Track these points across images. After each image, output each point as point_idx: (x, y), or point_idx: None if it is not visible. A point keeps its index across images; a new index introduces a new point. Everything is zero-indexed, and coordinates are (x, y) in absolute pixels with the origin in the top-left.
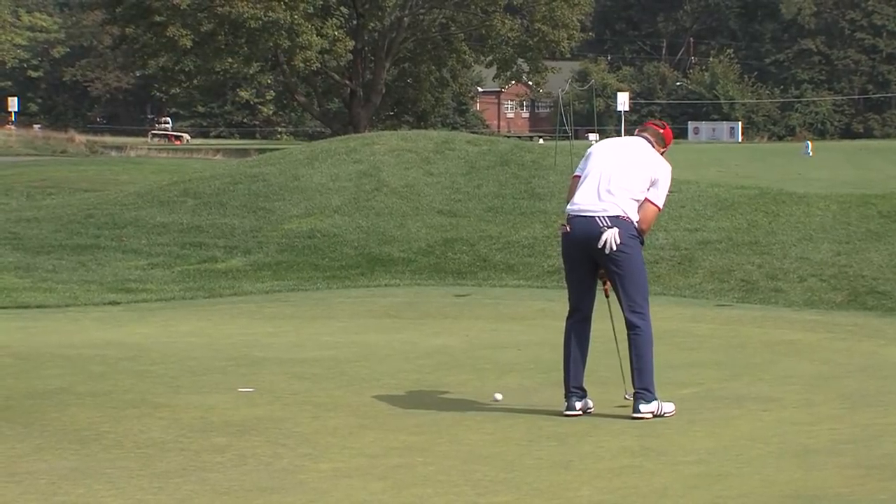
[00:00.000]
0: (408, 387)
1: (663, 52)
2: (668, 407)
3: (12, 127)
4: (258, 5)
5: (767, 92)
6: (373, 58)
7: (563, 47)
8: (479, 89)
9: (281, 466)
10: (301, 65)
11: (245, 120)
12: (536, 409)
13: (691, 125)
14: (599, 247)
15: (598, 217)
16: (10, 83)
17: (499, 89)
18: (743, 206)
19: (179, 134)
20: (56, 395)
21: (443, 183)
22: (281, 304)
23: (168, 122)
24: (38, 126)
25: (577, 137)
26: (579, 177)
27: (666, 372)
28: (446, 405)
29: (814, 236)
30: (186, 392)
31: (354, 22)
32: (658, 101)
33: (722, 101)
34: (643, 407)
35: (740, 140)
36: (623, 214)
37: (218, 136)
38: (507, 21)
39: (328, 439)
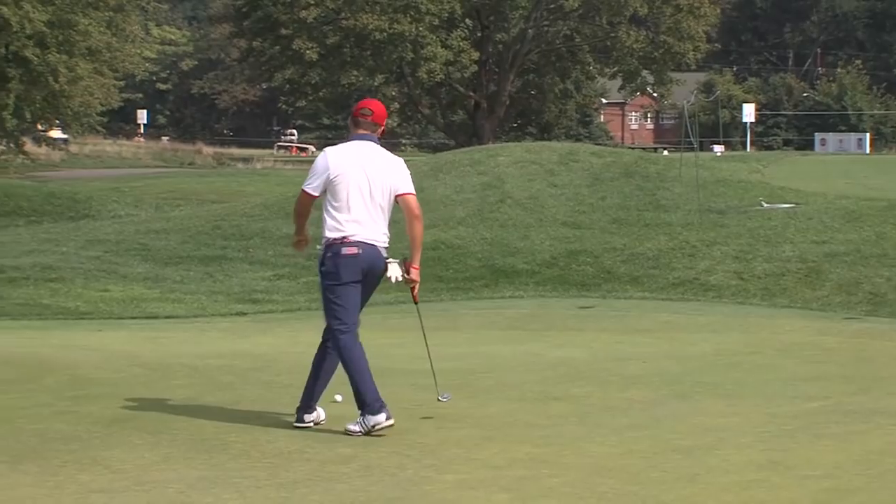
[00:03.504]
0: (532, 398)
1: (790, 62)
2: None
3: (142, 139)
4: (383, 18)
5: None
6: (497, 69)
7: (689, 59)
8: (604, 101)
9: (406, 477)
10: (425, 76)
11: None
12: (661, 421)
13: (818, 136)
14: (388, 276)
15: (381, 248)
16: (140, 96)
17: (623, 101)
18: (871, 219)
19: (304, 146)
20: (184, 404)
21: (567, 195)
22: (404, 315)
23: (294, 135)
24: (167, 138)
25: (702, 149)
26: (312, 196)
27: (793, 385)
28: (570, 417)
29: None
30: None
31: (479, 34)
32: (784, 113)
33: (850, 113)
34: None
35: (868, 152)
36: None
37: None
38: (632, 33)
39: (452, 450)
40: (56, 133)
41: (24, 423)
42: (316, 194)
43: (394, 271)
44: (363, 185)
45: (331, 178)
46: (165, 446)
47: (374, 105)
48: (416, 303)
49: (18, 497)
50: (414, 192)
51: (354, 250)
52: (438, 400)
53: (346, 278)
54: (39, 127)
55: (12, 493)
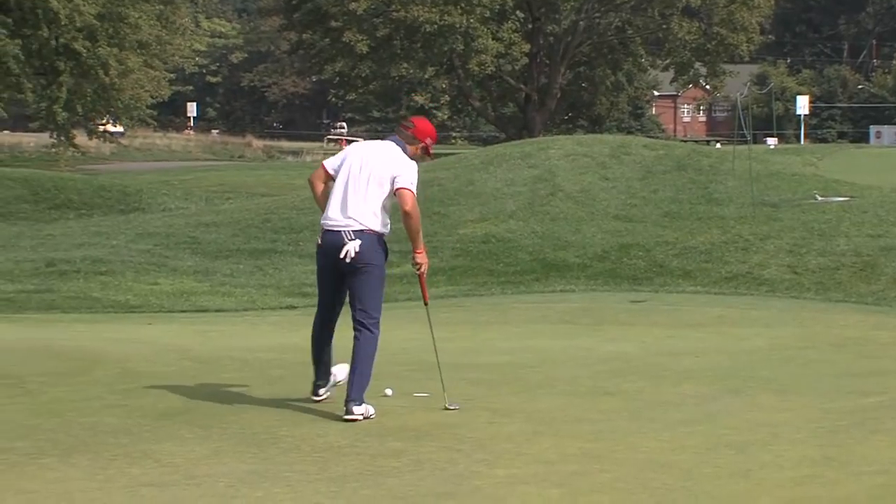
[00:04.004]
0: (583, 393)
1: (844, 54)
2: (371, 409)
3: (192, 132)
4: (434, 10)
5: None
6: (548, 62)
7: (742, 50)
8: (655, 93)
9: (456, 472)
10: (476, 69)
11: None
12: (714, 417)
13: (873, 129)
14: (341, 257)
15: (348, 231)
16: (190, 88)
17: (675, 93)
18: None
19: (354, 139)
20: (234, 398)
21: (618, 188)
22: (455, 308)
23: (343, 127)
24: (217, 131)
25: (755, 141)
26: (325, 170)
27: (848, 380)
28: (622, 412)
29: None
30: None
31: (530, 26)
32: (839, 105)
33: None
34: (356, 409)
35: None
36: (366, 228)
37: None
38: (684, 24)
39: (504, 445)
40: (111, 126)
41: (74, 417)
42: (329, 170)
43: (347, 247)
44: (355, 169)
45: (343, 157)
46: (216, 440)
47: (420, 122)
48: (425, 303)
49: (69, 490)
50: (410, 188)
51: (319, 241)
52: (446, 408)
53: (319, 264)
54: (97, 122)
55: (63, 486)
